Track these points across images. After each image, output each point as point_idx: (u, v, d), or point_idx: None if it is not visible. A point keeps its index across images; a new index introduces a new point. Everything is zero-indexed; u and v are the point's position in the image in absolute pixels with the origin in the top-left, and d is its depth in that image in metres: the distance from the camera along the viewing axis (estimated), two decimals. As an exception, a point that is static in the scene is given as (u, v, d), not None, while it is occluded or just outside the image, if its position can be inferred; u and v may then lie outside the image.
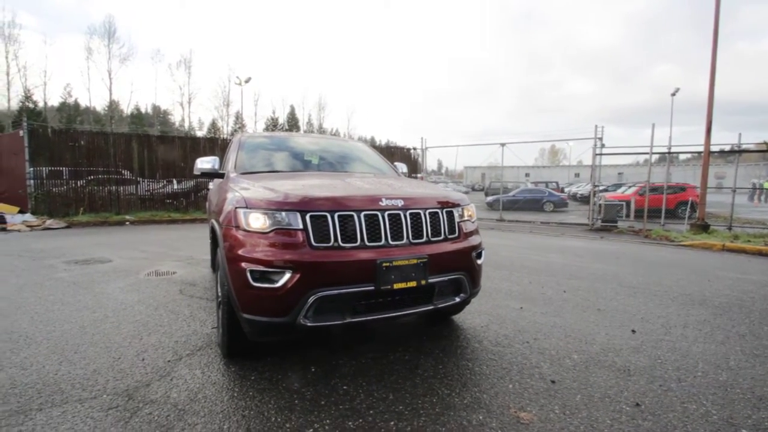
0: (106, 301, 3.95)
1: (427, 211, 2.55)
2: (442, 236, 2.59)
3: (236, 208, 2.37)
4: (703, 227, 10.47)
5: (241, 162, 3.44)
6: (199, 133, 39.57)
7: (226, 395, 2.20)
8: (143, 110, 42.53)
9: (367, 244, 2.31)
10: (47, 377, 2.39)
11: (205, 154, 13.63)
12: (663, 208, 11.84)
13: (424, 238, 2.50)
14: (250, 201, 2.35)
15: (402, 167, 4.24)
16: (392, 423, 1.97)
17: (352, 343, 2.97)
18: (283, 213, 2.26)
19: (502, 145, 14.02)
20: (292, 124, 48.89)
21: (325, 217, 2.28)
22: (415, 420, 1.99)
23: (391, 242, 2.37)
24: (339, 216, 2.29)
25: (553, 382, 2.40)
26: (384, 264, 2.27)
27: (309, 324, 2.21)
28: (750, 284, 5.03)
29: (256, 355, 2.66)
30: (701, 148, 10.77)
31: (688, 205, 12.52)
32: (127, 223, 10.96)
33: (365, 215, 2.34)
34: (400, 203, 2.46)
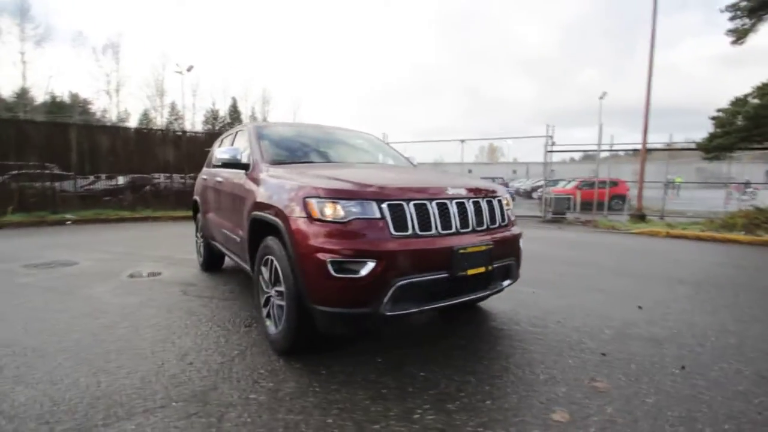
0: (102, 305, 3.56)
1: (485, 200, 2.64)
2: (497, 224, 2.70)
3: (306, 197, 2.28)
4: (641, 217, 11.71)
5: (267, 152, 3.28)
6: (127, 124, 36.11)
7: (310, 391, 2.13)
8: (60, 98, 37.96)
9: (441, 232, 2.35)
10: (91, 391, 2.13)
11: (160, 147, 12.64)
12: (606, 201, 13.06)
13: (485, 226, 2.59)
14: (321, 190, 2.28)
15: (414, 160, 4.30)
16: (488, 402, 2.04)
17: (394, 336, 2.99)
18: (361, 202, 2.22)
19: (462, 141, 14.57)
20: (234, 117, 46.50)
21: (402, 205, 2.28)
22: (507, 396, 2.08)
23: (459, 230, 2.43)
24: (414, 205, 2.30)
25: (603, 354, 2.61)
26: (460, 251, 2.32)
27: (388, 313, 2.21)
28: (708, 264, 5.77)
29: (315, 351, 2.58)
30: (639, 146, 12.01)
31: (625, 199, 13.89)
32: (68, 222, 9.82)
33: (437, 203, 2.38)
34: (464, 192, 2.53)
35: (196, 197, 5.09)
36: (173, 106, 42.08)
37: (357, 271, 2.14)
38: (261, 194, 2.78)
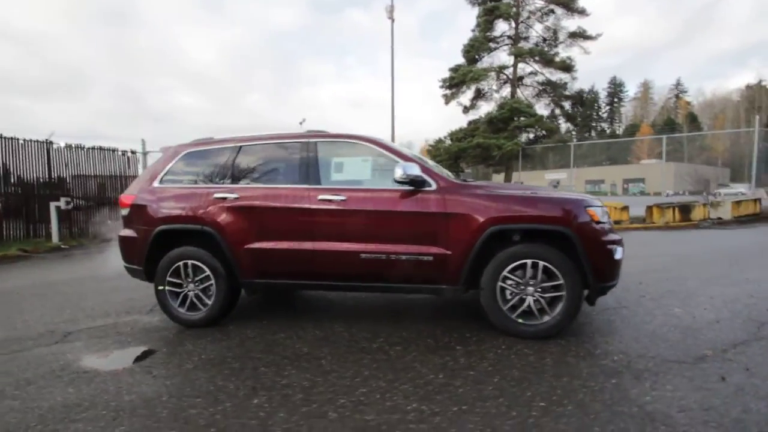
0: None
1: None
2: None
3: (587, 207, 3.07)
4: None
5: (438, 171, 3.40)
6: None
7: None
8: None
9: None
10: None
11: None
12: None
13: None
14: (592, 201, 3.15)
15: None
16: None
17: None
18: (604, 209, 3.27)
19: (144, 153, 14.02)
20: None
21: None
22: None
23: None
24: (603, 208, 3.56)
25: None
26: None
27: (615, 282, 3.38)
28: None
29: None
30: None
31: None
32: None
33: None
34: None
35: (193, 226, 3.54)
36: None
37: (616, 253, 3.19)
38: (501, 208, 3.10)
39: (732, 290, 4.35)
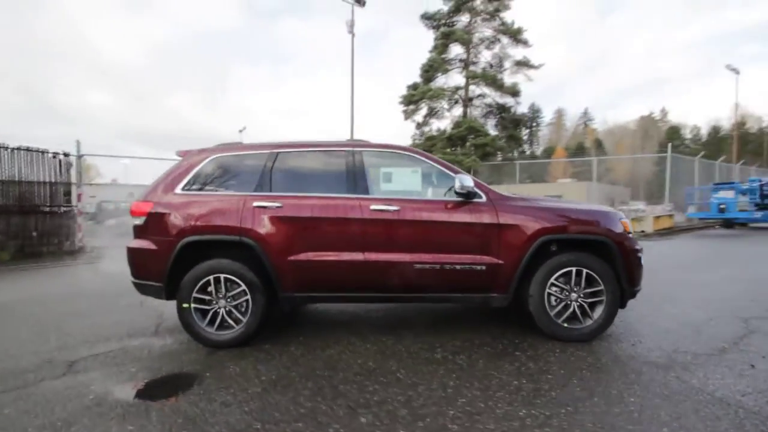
0: None
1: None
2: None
3: (621, 219, 3.39)
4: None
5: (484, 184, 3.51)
6: None
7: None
8: None
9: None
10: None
11: None
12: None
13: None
14: (622, 214, 3.48)
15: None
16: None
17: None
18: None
19: (79, 156, 13.06)
20: None
21: (621, 221, 3.88)
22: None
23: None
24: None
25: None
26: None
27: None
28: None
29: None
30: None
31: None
32: None
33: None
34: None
35: (229, 237, 3.25)
36: None
37: (642, 260, 3.55)
38: (551, 219, 3.30)
39: (703, 292, 5.03)
